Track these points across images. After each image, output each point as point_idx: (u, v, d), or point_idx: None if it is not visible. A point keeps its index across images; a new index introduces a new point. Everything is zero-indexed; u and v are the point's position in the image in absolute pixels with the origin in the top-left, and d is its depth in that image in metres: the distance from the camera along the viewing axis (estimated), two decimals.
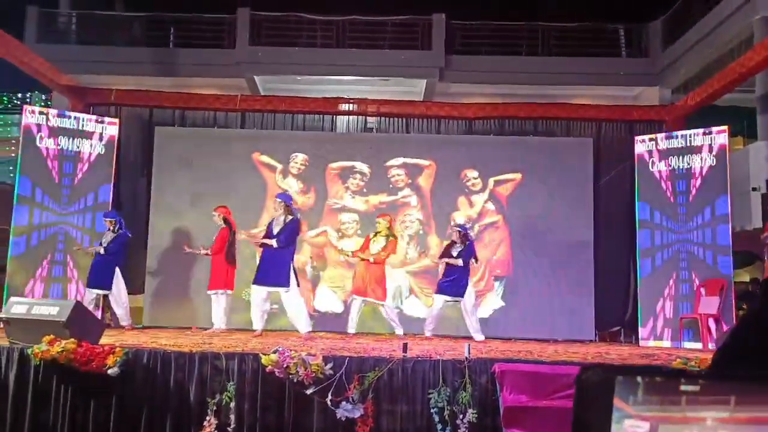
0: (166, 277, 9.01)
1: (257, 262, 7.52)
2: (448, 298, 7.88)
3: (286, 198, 7.50)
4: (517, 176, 9.27)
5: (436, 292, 7.98)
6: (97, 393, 4.89)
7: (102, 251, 7.84)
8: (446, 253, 8.00)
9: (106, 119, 8.87)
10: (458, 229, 8.06)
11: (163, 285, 9.00)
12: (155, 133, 9.30)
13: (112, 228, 7.96)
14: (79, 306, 5.23)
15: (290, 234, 7.25)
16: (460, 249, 7.93)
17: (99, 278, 7.84)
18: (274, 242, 7.16)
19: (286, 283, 7.12)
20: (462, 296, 7.84)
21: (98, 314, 7.56)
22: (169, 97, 9.63)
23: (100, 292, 7.87)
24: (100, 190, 8.66)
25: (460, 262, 7.84)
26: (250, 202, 9.19)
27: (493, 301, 9.06)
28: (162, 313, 8.87)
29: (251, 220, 9.15)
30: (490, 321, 8.94)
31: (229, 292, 7.95)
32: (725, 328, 7.41)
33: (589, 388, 1.36)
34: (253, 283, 7.24)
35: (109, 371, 4.84)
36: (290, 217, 7.32)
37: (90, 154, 8.66)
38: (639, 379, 1.12)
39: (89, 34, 12.34)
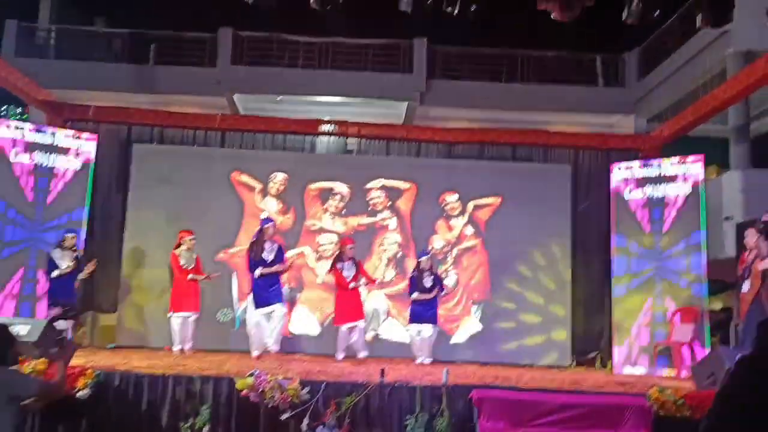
0: (140, 296, 8.86)
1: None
2: (434, 325, 7.88)
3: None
4: (497, 200, 9.33)
5: (427, 321, 7.85)
6: (66, 416, 4.78)
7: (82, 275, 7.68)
8: (421, 285, 7.89)
9: (84, 135, 8.75)
10: (424, 257, 8.03)
11: (136, 304, 8.85)
12: (133, 150, 9.21)
13: (73, 246, 7.71)
14: (50, 326, 5.12)
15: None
16: (433, 278, 7.95)
17: (68, 295, 7.59)
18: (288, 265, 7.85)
19: (282, 299, 7.60)
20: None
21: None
22: (148, 114, 9.56)
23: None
24: (75, 208, 8.50)
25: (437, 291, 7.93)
26: (228, 221, 9.12)
27: (471, 326, 9.04)
28: (135, 333, 8.71)
29: (228, 239, 9.07)
30: (468, 345, 8.92)
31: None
32: (699, 355, 7.47)
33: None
34: (259, 307, 7.38)
35: (79, 393, 4.73)
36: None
37: (66, 170, 8.52)
38: None
39: (69, 49, 12.23)
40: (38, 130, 8.51)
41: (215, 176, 9.22)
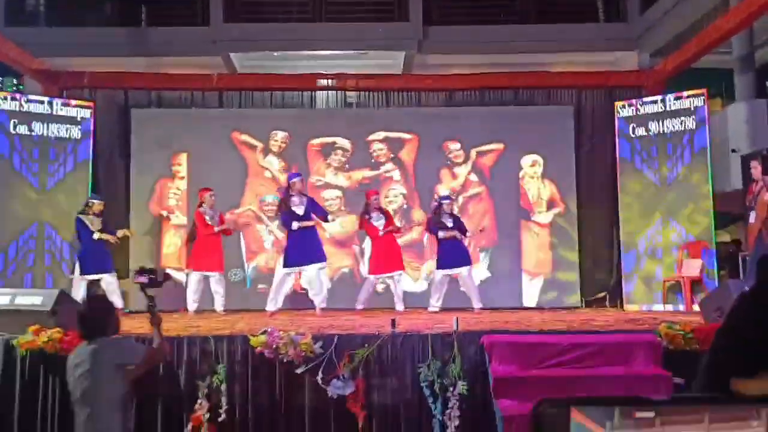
0: (150, 261, 8.92)
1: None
2: (463, 267, 7.87)
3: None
4: (500, 146, 9.26)
5: (462, 264, 7.84)
6: None
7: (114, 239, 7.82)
8: (442, 223, 7.85)
9: (81, 102, 8.69)
10: (447, 201, 8.02)
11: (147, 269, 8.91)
12: (131, 115, 9.16)
13: (100, 211, 7.81)
14: (63, 294, 5.18)
15: None
16: (453, 219, 7.93)
17: (107, 260, 7.75)
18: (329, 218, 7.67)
19: (324, 257, 7.39)
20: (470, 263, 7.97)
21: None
22: (144, 78, 9.47)
23: (109, 275, 7.76)
24: (78, 176, 8.51)
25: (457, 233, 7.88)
26: (231, 182, 9.11)
27: (480, 273, 9.08)
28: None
29: (233, 200, 9.08)
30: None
31: None
32: (708, 289, 7.51)
33: (545, 420, 1.40)
34: (286, 267, 7.37)
35: None
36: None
37: (66, 139, 8.49)
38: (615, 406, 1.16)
39: (59, 16, 12.01)
40: (35, 100, 8.46)
41: (216, 137, 9.18)
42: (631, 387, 4.59)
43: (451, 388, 4.83)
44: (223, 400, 4.90)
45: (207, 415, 4.86)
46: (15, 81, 13.62)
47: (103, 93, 9.17)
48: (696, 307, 7.50)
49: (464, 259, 7.86)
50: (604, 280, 9.12)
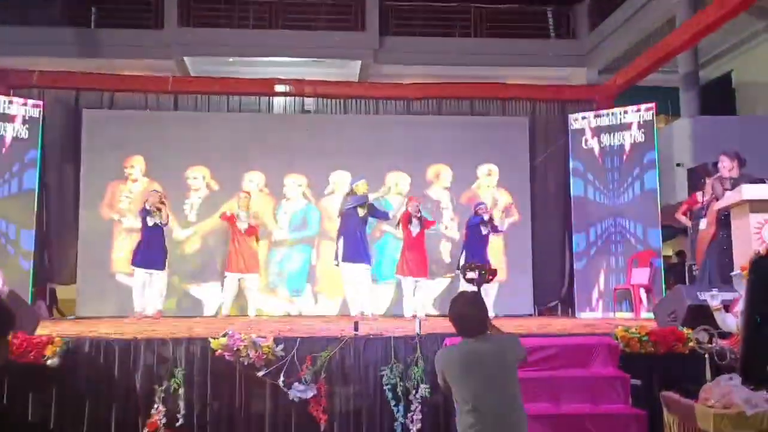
0: (98, 266, 8.65)
1: None
2: None
3: None
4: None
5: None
6: (36, 385, 4.67)
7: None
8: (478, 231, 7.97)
9: (29, 102, 8.40)
10: (482, 206, 8.15)
11: (95, 274, 8.65)
12: (83, 116, 8.90)
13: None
14: (12, 295, 4.97)
15: None
16: (489, 227, 8.04)
17: (158, 257, 7.68)
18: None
19: (367, 259, 7.66)
20: None
21: None
22: (96, 79, 9.22)
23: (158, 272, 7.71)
24: (25, 176, 8.21)
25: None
26: (182, 184, 8.94)
27: (438, 279, 9.11)
28: (95, 303, 8.52)
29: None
30: (435, 299, 9.01)
31: None
32: (656, 298, 7.73)
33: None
34: (347, 261, 7.52)
35: (49, 362, 4.63)
36: None
37: (13, 138, 8.19)
38: None
39: (4, 14, 11.62)
40: None
41: (171, 140, 8.98)
42: (591, 387, 4.68)
43: (414, 391, 4.83)
44: (181, 404, 4.78)
45: (163, 420, 4.73)
46: None
47: (53, 93, 8.88)
48: (644, 314, 7.74)
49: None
50: (555, 289, 9.28)
